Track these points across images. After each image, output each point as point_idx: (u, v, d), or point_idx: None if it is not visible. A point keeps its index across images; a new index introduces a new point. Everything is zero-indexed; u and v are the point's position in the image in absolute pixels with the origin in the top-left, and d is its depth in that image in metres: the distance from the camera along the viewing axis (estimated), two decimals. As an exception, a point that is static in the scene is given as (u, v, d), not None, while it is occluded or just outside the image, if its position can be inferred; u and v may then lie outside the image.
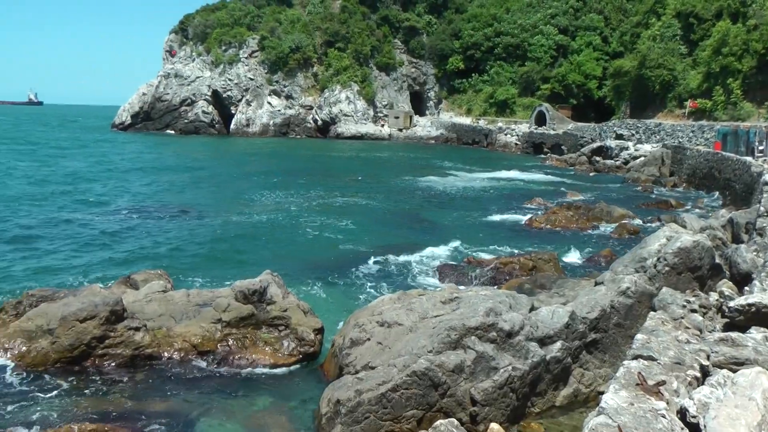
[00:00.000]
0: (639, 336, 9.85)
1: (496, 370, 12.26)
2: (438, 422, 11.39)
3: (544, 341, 13.05)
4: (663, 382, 7.92)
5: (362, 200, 44.40)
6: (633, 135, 74.57)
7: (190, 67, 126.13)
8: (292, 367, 16.13)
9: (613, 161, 69.83)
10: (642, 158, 65.27)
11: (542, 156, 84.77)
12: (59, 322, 15.98)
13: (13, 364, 15.58)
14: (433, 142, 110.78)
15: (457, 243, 30.77)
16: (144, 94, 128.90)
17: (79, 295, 17.63)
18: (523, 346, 12.72)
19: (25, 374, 15.33)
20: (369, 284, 23.85)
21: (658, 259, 15.06)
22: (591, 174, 66.74)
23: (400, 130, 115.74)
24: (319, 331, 17.13)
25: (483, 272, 24.55)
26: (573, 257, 28.20)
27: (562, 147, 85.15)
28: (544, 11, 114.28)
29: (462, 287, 17.57)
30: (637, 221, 35.56)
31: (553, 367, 12.97)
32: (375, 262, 26.67)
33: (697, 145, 61.06)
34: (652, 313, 11.71)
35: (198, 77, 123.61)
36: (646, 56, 79.08)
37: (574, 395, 13.30)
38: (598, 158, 71.79)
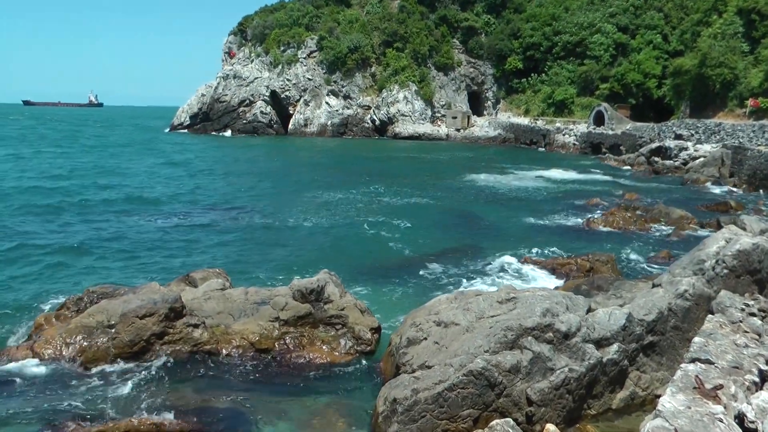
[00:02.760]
0: (697, 339, 9.79)
1: (553, 371, 12.25)
2: (494, 422, 11.41)
3: (600, 343, 12.97)
4: (721, 386, 7.88)
5: (419, 200, 44.40)
6: (692, 135, 73.26)
7: (249, 68, 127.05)
8: (349, 366, 16.23)
9: (672, 162, 68.64)
10: (701, 159, 64.12)
11: (600, 156, 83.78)
12: (119, 318, 16.35)
13: (74, 359, 15.96)
14: (490, 142, 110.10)
15: (513, 243, 30.66)
16: (203, 95, 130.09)
17: (138, 292, 17.98)
18: (580, 347, 12.67)
19: (85, 369, 15.69)
20: (425, 284, 23.87)
21: (717, 261, 14.86)
22: (649, 175, 65.84)
23: (458, 130, 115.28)
24: (376, 330, 17.26)
25: (540, 273, 24.52)
26: (631, 259, 27.89)
27: (621, 147, 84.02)
28: (604, 9, 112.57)
29: (519, 287, 17.48)
30: (696, 223, 35.05)
31: (609, 369, 12.87)
32: (432, 262, 26.65)
33: (759, 145, 59.79)
34: (710, 316, 11.60)
35: (256, 78, 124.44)
36: (706, 54, 77.60)
37: (631, 398, 13.17)
38: (656, 159, 70.59)
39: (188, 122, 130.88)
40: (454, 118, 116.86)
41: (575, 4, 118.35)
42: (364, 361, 16.50)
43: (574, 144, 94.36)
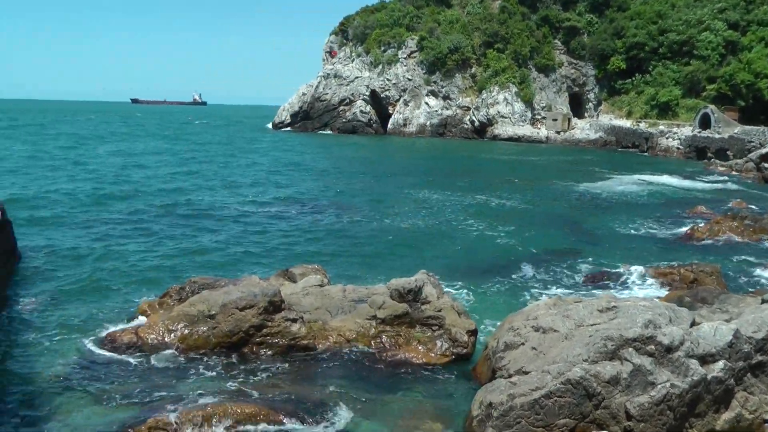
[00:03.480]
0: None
1: (654, 385, 11.86)
2: (591, 433, 11.28)
3: (705, 359, 12.46)
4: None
5: (517, 203, 44.07)
6: (807, 139, 70.62)
7: (349, 67, 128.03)
8: (444, 367, 16.22)
9: (784, 168, 66.32)
10: (817, 165, 61.85)
11: (705, 161, 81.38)
12: (220, 308, 16.79)
13: (175, 345, 16.52)
14: (591, 145, 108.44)
15: (614, 250, 30.15)
16: (304, 94, 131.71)
17: (239, 284, 18.36)
18: (683, 362, 12.21)
19: (186, 355, 16.24)
20: (522, 288, 23.70)
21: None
22: (759, 182, 63.55)
23: (558, 132, 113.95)
24: (473, 332, 17.19)
25: (641, 282, 24.02)
26: (737, 271, 26.93)
27: (728, 152, 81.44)
28: (712, 5, 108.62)
29: (620, 296, 17.16)
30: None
31: (714, 387, 12.32)
32: (529, 266, 26.45)
33: None
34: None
35: (357, 77, 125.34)
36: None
37: (737, 420, 12.58)
38: (766, 165, 68.19)
39: (289, 120, 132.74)
40: (554, 120, 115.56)
41: (682, 0, 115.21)
42: (459, 364, 16.48)
43: (678, 148, 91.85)
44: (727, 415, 12.60)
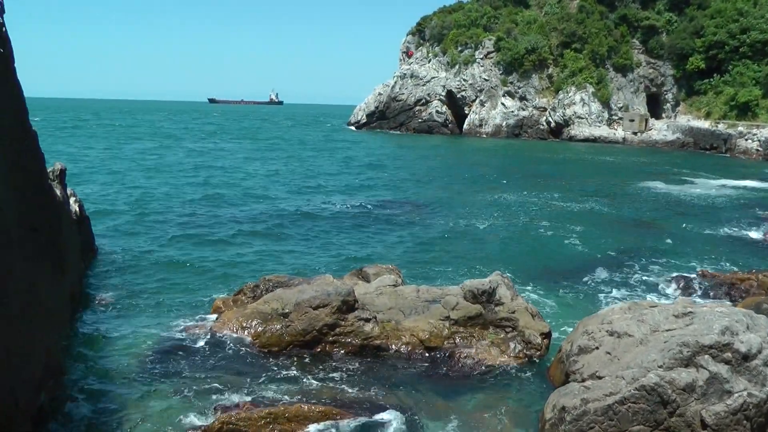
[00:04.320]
0: None
1: (730, 394, 11.68)
2: (665, 441, 11.27)
3: None
4: None
5: (593, 205, 43.68)
6: None
7: (426, 67, 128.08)
8: (517, 370, 16.20)
9: None
10: None
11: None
12: (294, 307, 17.04)
13: (249, 342, 16.85)
14: (668, 146, 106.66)
15: (689, 254, 29.75)
16: (380, 93, 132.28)
17: (312, 283, 18.58)
18: (761, 371, 11.99)
19: (260, 352, 16.53)
20: (597, 291, 23.52)
21: None
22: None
23: (635, 133, 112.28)
24: (547, 335, 17.15)
25: (718, 287, 23.74)
26: (819, 277, 26.52)
27: (809, 154, 79.76)
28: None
29: (696, 301, 17.04)
30: None
31: None
32: (604, 269, 26.19)
33: None
34: None
35: (433, 77, 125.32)
36: None
37: None
38: None
39: (365, 120, 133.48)
40: (632, 121, 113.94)
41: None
42: (532, 366, 16.44)
43: (757, 150, 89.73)
44: (805, 426, 12.28)
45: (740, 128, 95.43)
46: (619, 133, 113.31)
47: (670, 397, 11.72)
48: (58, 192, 19.47)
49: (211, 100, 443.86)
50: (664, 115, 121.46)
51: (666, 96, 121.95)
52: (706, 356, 12.10)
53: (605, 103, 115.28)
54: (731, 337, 12.33)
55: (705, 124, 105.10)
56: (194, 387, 14.58)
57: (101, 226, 30.15)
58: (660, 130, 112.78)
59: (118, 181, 46.44)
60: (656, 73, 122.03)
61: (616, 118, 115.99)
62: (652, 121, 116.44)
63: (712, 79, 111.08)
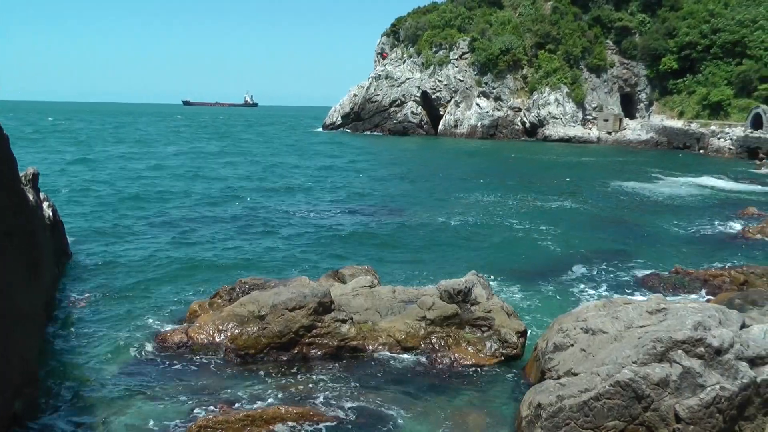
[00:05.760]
0: None
1: (703, 387, 11.80)
2: (640, 436, 11.36)
3: (755, 362, 12.30)
4: None
5: (568, 204, 43.89)
6: None
7: (401, 68, 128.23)
8: (494, 368, 16.29)
9: (837, 168, 65.15)
10: None
11: (757, 162, 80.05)
12: (270, 309, 16.98)
13: (225, 345, 16.75)
14: (642, 145, 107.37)
15: (663, 252, 29.98)
16: (355, 95, 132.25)
17: (289, 285, 18.58)
18: (733, 365, 12.09)
19: (236, 355, 16.46)
20: (572, 289, 23.67)
21: None
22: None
23: (609, 133, 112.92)
24: (522, 333, 17.23)
25: (691, 284, 23.94)
26: (790, 273, 26.79)
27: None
28: (767, 4, 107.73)
29: (669, 298, 17.18)
30: None
31: (764, 390, 12.16)
32: (579, 268, 26.39)
33: None
34: None
35: (408, 78, 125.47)
36: None
37: None
38: (820, 165, 67.17)
39: (340, 122, 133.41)
40: (606, 120, 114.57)
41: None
42: (508, 365, 16.53)
43: (730, 148, 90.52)
44: (777, 419, 12.47)
45: (713, 127, 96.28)
46: (593, 132, 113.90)
47: (645, 392, 11.82)
48: (31, 197, 19.33)
49: (186, 102, 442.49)
50: (638, 114, 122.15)
51: (640, 96, 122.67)
52: (680, 351, 12.21)
53: (579, 104, 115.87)
54: (704, 332, 12.45)
55: (678, 124, 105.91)
56: (171, 392, 14.53)
57: (75, 231, 29.91)
58: (634, 129, 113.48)
59: (91, 185, 46.10)
60: (630, 74, 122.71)
61: (591, 118, 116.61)
62: (626, 120, 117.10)
63: (684, 79, 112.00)
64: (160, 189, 45.22)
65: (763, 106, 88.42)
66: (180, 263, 25.66)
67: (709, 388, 11.81)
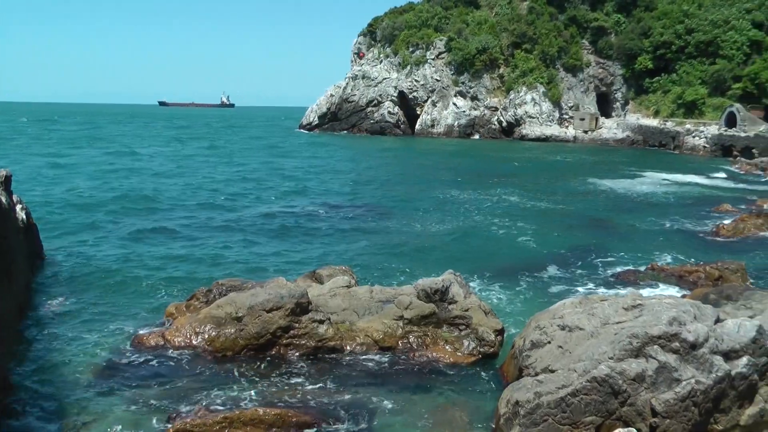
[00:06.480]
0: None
1: (679, 381, 11.92)
2: (617, 431, 11.39)
3: (729, 355, 12.49)
4: None
5: (545, 203, 44.06)
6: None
7: (378, 68, 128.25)
8: (472, 367, 16.30)
9: (809, 166, 65.71)
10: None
11: (731, 160, 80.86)
12: (247, 311, 16.90)
13: (202, 347, 16.65)
14: (618, 144, 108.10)
15: (639, 249, 30.15)
16: (331, 95, 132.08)
17: (266, 286, 18.46)
18: (707, 359, 12.26)
19: (214, 357, 16.35)
20: (549, 287, 23.74)
21: None
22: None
23: (585, 132, 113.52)
24: (500, 332, 17.26)
25: (667, 280, 24.10)
26: (762, 268, 26.84)
27: (753, 150, 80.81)
28: (740, 5, 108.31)
29: (645, 294, 17.25)
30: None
31: (738, 383, 12.36)
32: (556, 266, 26.49)
33: None
34: None
35: (385, 78, 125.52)
36: None
37: (760, 415, 12.59)
38: (792, 162, 67.74)
39: (317, 122, 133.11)
40: (582, 119, 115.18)
41: (709, 0, 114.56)
42: (486, 363, 16.54)
43: (704, 146, 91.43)
44: (750, 410, 12.60)
45: (687, 126, 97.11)
46: (570, 131, 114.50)
47: (621, 387, 11.88)
48: (3, 199, 19.14)
49: (162, 103, 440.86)
50: (614, 113, 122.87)
51: (616, 95, 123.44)
52: (655, 346, 12.32)
53: (556, 103, 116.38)
54: (679, 327, 12.57)
55: (654, 122, 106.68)
56: (148, 395, 14.40)
57: (49, 234, 29.60)
58: (610, 128, 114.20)
59: (65, 187, 45.71)
60: (606, 73, 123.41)
61: (567, 117, 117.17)
62: (602, 119, 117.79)
63: (659, 79, 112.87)
64: (136, 191, 44.80)
65: (737, 105, 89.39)
66: (156, 265, 25.45)
67: (684, 382, 11.93)
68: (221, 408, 13.70)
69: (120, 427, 13.17)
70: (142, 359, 16.31)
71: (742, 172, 69.00)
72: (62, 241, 29.19)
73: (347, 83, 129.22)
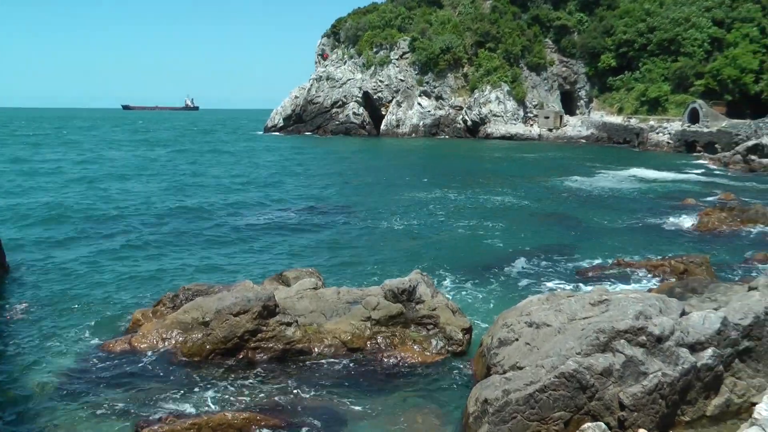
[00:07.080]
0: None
1: (646, 375, 11.98)
2: (586, 425, 11.38)
3: (694, 347, 12.62)
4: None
5: (511, 201, 44.22)
6: (792, 131, 70.80)
7: (342, 69, 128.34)
8: (440, 366, 16.28)
9: (769, 160, 66.43)
10: (802, 156, 62.07)
11: (695, 155, 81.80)
12: (214, 315, 16.79)
13: (170, 353, 16.51)
14: (583, 141, 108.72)
15: (605, 244, 30.34)
16: (296, 97, 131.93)
17: (232, 290, 18.41)
18: (674, 351, 12.35)
19: (181, 363, 16.19)
20: (517, 285, 23.78)
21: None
22: (746, 174, 63.87)
23: (550, 130, 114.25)
24: (468, 330, 17.28)
25: (633, 274, 24.25)
26: (726, 261, 27.18)
27: (716, 145, 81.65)
28: (700, 3, 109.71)
29: (611, 289, 17.34)
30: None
31: (704, 374, 12.52)
32: (523, 263, 26.56)
33: None
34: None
35: (349, 79, 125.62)
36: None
37: (726, 405, 12.76)
38: (753, 157, 68.10)
39: (282, 124, 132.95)
40: (547, 118, 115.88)
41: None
42: (455, 362, 16.53)
43: (668, 142, 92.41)
44: (716, 401, 12.77)
45: (651, 122, 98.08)
46: (534, 130, 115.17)
47: (589, 382, 11.92)
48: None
49: (125, 107, 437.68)
50: (578, 111, 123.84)
51: (579, 93, 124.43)
52: (622, 341, 12.38)
53: (520, 101, 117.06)
54: (645, 321, 12.66)
55: (618, 119, 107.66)
56: (115, 404, 14.21)
57: (12, 243, 29.20)
58: (575, 126, 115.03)
59: (29, 195, 45.16)
60: (569, 71, 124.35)
61: (532, 115, 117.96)
62: (566, 117, 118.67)
63: (623, 76, 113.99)
64: (100, 198, 44.34)
65: (699, 101, 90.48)
66: (122, 272, 25.16)
67: (651, 375, 12.00)
68: (190, 413, 13.58)
69: (86, 436, 12.99)
70: (108, 366, 16.09)
71: (705, 167, 69.70)
72: (26, 250, 28.75)
73: (312, 85, 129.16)
